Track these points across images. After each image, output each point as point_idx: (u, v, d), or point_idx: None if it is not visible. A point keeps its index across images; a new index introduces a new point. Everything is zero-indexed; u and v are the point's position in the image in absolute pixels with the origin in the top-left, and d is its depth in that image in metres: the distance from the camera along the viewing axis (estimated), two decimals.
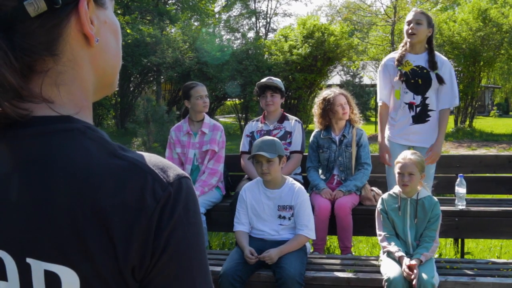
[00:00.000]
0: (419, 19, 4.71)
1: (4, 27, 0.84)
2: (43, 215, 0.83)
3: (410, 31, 4.74)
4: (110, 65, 1.00)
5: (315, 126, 5.32)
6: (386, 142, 4.97)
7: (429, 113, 4.78)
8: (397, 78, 4.81)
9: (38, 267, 0.83)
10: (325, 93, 5.24)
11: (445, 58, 4.90)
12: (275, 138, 4.28)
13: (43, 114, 0.88)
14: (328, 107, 5.10)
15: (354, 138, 5.08)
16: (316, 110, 5.25)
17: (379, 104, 5.08)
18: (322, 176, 5.15)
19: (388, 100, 4.99)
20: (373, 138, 14.57)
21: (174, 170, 0.91)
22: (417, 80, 4.74)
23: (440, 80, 4.71)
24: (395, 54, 4.93)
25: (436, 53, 4.83)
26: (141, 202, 0.84)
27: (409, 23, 4.76)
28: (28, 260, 0.83)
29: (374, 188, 5.15)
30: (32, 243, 0.83)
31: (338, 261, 4.33)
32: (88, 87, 0.96)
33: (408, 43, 4.82)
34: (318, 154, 5.21)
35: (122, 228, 0.83)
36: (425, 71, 4.75)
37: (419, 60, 4.79)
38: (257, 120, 5.53)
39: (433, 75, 4.73)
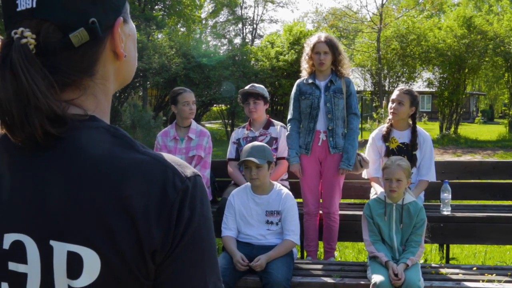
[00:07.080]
0: (401, 100, 4.84)
1: (48, 55, 0.92)
2: (70, 201, 0.89)
3: (391, 110, 4.89)
4: (130, 74, 1.10)
5: (301, 75, 5.00)
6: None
7: (410, 186, 4.69)
8: (383, 156, 4.88)
9: (61, 249, 0.89)
10: (313, 36, 4.96)
11: (427, 134, 5.05)
12: (264, 144, 4.30)
13: (69, 112, 0.94)
14: (307, 51, 4.87)
15: (343, 86, 4.82)
16: (305, 51, 4.97)
17: (368, 177, 5.04)
18: (303, 136, 4.87)
19: (379, 173, 4.87)
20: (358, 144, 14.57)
21: (189, 167, 0.99)
22: (403, 156, 4.75)
23: (413, 162, 4.81)
24: (383, 129, 5.03)
25: (420, 129, 4.99)
26: (164, 193, 0.92)
27: (392, 101, 4.91)
28: (52, 242, 0.90)
29: (361, 154, 4.96)
30: (57, 227, 0.89)
31: (324, 266, 4.35)
32: (110, 95, 1.05)
33: (391, 120, 4.97)
34: (300, 104, 4.92)
35: (146, 215, 0.90)
36: (410, 148, 4.90)
37: (404, 137, 4.94)
38: (243, 127, 5.51)
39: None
